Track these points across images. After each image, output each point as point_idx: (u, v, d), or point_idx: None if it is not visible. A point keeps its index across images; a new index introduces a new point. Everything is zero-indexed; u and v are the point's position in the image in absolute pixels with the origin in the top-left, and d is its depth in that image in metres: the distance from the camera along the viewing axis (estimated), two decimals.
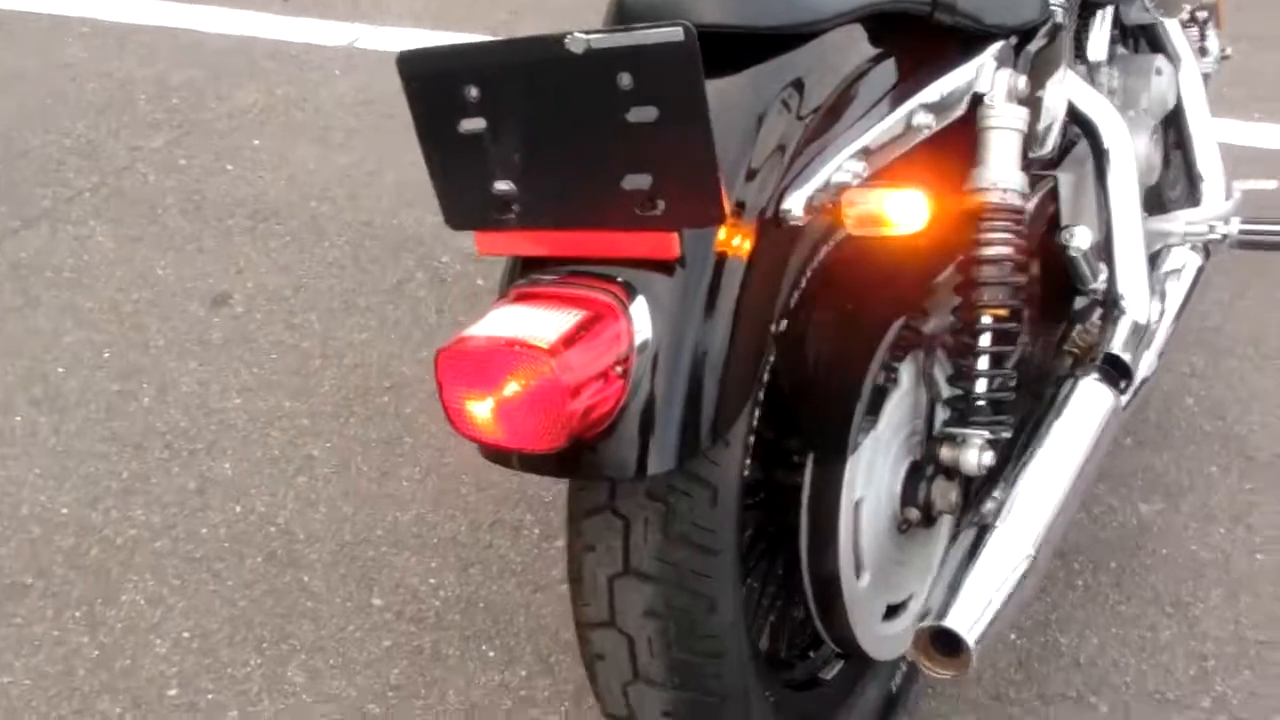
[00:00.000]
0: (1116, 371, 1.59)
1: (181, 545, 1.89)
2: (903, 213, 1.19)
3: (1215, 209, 2.06)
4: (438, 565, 1.88)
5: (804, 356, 1.32)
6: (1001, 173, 1.43)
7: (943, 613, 1.26)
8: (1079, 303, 1.76)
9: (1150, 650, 1.84)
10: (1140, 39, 2.23)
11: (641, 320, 1.09)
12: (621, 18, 1.21)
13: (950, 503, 1.44)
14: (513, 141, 1.07)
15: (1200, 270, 1.99)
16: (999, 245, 1.40)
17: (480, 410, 1.06)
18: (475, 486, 2.02)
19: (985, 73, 1.44)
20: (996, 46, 1.47)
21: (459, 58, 1.06)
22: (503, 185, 1.08)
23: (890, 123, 1.29)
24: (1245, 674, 1.81)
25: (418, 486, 2.02)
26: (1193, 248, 2.01)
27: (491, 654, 1.75)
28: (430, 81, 1.08)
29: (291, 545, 1.90)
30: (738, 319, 1.15)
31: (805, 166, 1.21)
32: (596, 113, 1.02)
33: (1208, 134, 2.23)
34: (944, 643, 1.25)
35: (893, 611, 1.49)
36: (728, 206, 1.05)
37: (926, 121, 1.34)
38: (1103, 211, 1.70)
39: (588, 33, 1.01)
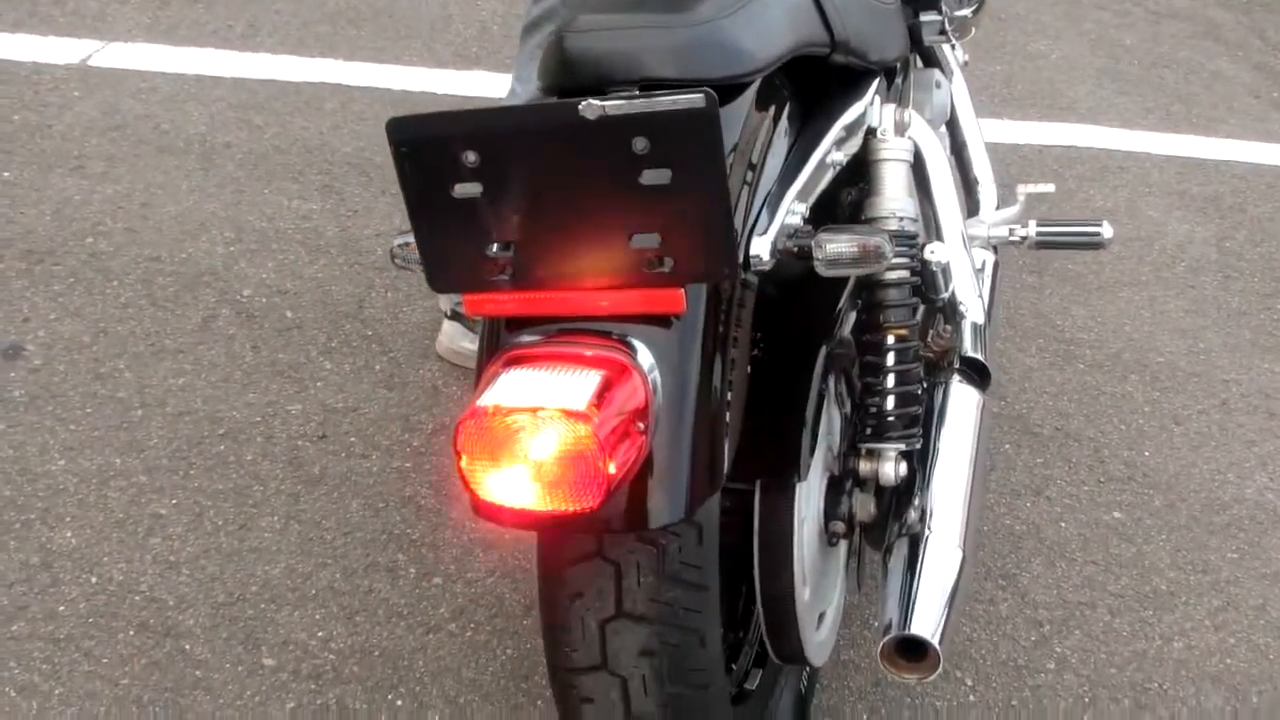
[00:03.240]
0: (975, 372, 1.73)
1: (41, 626, 1.75)
2: (871, 252, 1.26)
3: (1009, 213, 2.26)
4: (322, 617, 1.83)
5: (758, 391, 1.38)
6: (897, 201, 1.54)
7: (904, 622, 1.35)
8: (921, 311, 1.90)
9: (995, 623, 2.02)
10: (915, 54, 2.41)
11: (652, 375, 1.12)
12: (564, 68, 1.22)
13: (870, 513, 1.54)
14: (512, 205, 1.07)
15: (996, 267, 2.18)
16: (899, 270, 1.50)
17: (510, 479, 1.06)
18: (339, 530, 1.97)
19: (874, 108, 1.54)
20: (876, 82, 1.57)
21: (457, 123, 1.06)
22: (497, 248, 1.08)
23: (815, 162, 1.37)
24: (1076, 634, 2.02)
25: (280, 537, 1.95)
26: (984, 247, 2.19)
27: (399, 703, 1.73)
28: (423, 147, 1.06)
29: (163, 613, 1.80)
30: (728, 365, 1.19)
31: (760, 212, 1.27)
32: (608, 176, 1.05)
33: (978, 141, 2.44)
34: (908, 650, 1.35)
35: (819, 619, 1.58)
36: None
37: (839, 158, 1.43)
38: (931, 222, 1.84)
39: (602, 99, 1.03)
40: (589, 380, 1.06)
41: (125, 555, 1.88)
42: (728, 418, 1.19)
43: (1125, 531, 2.24)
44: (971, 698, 1.88)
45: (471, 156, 1.05)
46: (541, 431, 1.04)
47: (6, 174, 2.69)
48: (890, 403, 1.51)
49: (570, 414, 1.03)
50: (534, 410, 1.03)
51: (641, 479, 1.12)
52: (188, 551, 1.90)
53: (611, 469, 1.04)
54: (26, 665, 1.70)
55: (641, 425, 1.09)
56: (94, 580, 1.83)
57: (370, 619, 1.84)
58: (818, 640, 1.55)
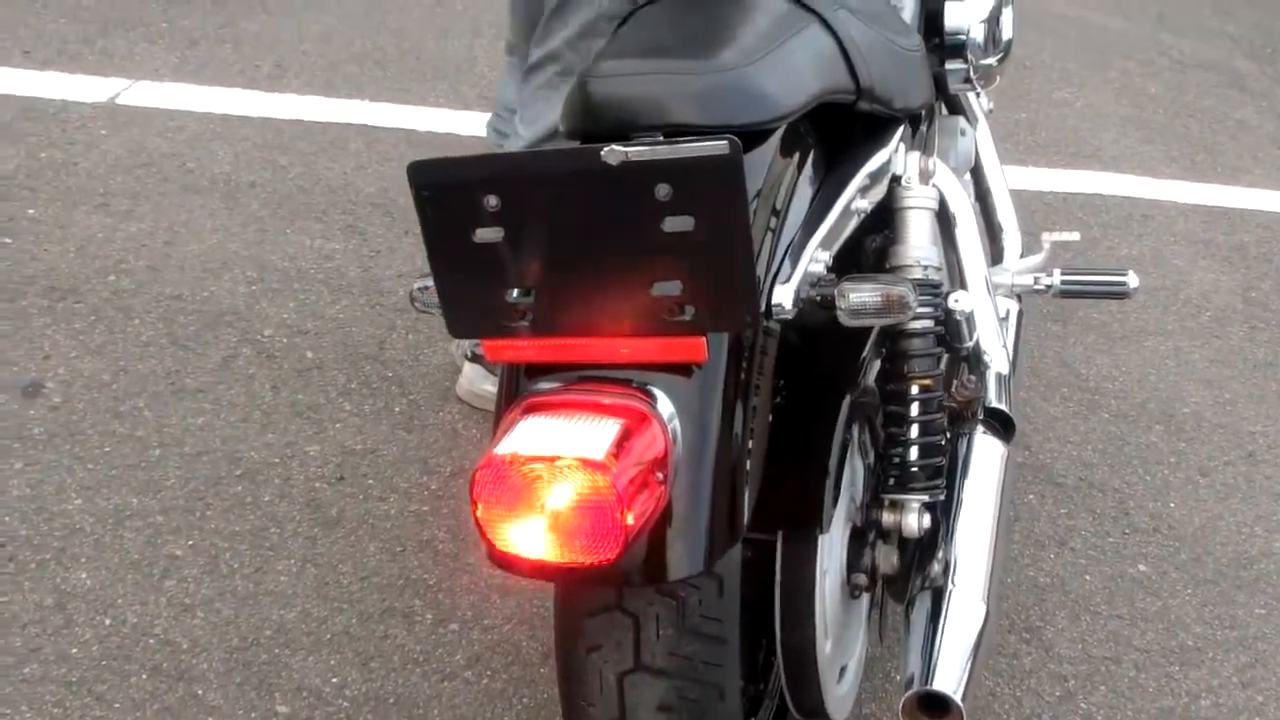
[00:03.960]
0: (999, 423, 1.71)
1: (53, 669, 1.74)
2: (895, 303, 1.24)
3: (1034, 261, 2.24)
4: (337, 663, 1.81)
5: (780, 441, 1.36)
6: (921, 250, 1.52)
7: (926, 677, 1.33)
8: (944, 360, 1.88)
9: (1019, 677, 1.98)
10: (940, 101, 2.41)
11: (672, 424, 1.10)
12: (588, 112, 1.22)
13: (893, 565, 1.51)
14: (533, 250, 1.06)
15: (1020, 315, 2.16)
16: (924, 319, 1.49)
17: (526, 529, 1.05)
18: (355, 575, 1.96)
19: (899, 156, 1.53)
20: (901, 129, 1.56)
21: (479, 168, 1.05)
22: (517, 293, 1.07)
23: (839, 209, 1.36)
24: (1101, 690, 1.98)
25: (296, 580, 1.93)
26: (1008, 295, 2.17)
27: None
28: (445, 191, 1.06)
29: (176, 656, 1.78)
30: (749, 414, 1.18)
31: (783, 259, 1.25)
32: (630, 222, 1.03)
33: (1003, 188, 2.42)
34: (930, 705, 1.32)
35: (841, 672, 1.56)
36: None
37: (863, 205, 1.42)
38: (955, 270, 1.82)
39: (625, 145, 1.02)
40: (608, 429, 1.05)
41: (140, 597, 1.87)
42: (748, 467, 1.18)
43: (1151, 585, 2.20)
44: None
45: (493, 201, 1.04)
46: (559, 481, 1.02)
47: (31, 211, 2.70)
48: (914, 453, 1.49)
49: (588, 463, 1.01)
50: (551, 459, 1.02)
51: (660, 530, 1.11)
52: (203, 594, 1.88)
53: (630, 520, 1.03)
54: (39, 709, 1.68)
55: (661, 475, 1.07)
56: (108, 622, 1.82)
57: (385, 665, 1.82)
58: (839, 694, 1.53)
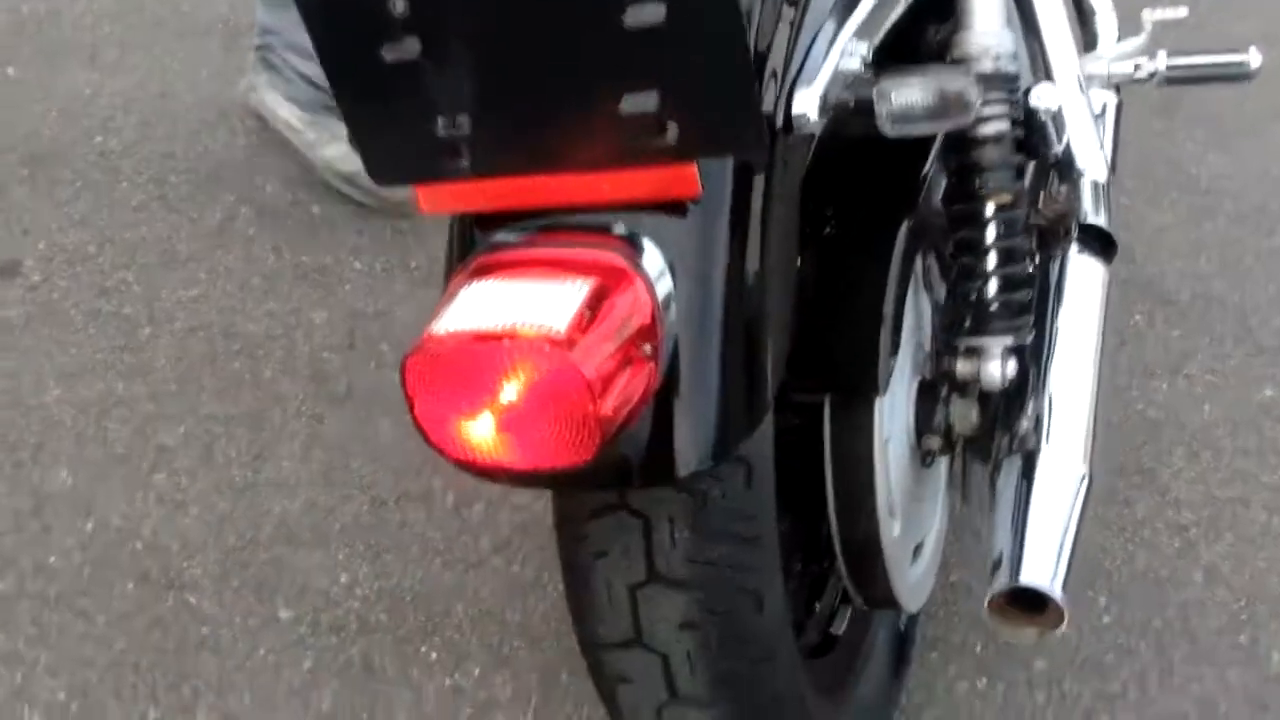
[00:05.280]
0: (1097, 241, 1.42)
1: (30, 583, 1.56)
2: (953, 102, 0.95)
3: (1133, 45, 1.90)
4: (346, 558, 1.61)
5: (819, 287, 1.09)
6: (991, 36, 1.21)
7: (1016, 565, 1.08)
8: (1030, 169, 1.59)
9: (1131, 528, 1.72)
10: None
11: (660, 281, 0.84)
12: None
13: (972, 424, 1.25)
14: (462, 67, 0.79)
15: (1119, 110, 1.84)
16: (998, 121, 1.19)
17: (477, 429, 0.80)
18: (367, 456, 1.74)
19: None
20: None
21: None
22: (450, 125, 0.81)
23: None
24: (1227, 537, 1.72)
25: (300, 466, 1.72)
26: (1103, 87, 1.85)
27: (434, 655, 1.50)
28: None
29: (166, 562, 1.59)
30: (769, 261, 0.91)
31: (806, 55, 0.96)
32: (581, 17, 0.76)
33: None
34: (1025, 600, 1.07)
35: (915, 551, 1.31)
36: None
37: None
38: (1039, 61, 1.51)
39: None
40: (572, 293, 0.79)
41: (126, 495, 1.67)
42: (771, 326, 0.91)
43: None
44: (1106, 619, 1.60)
45: (399, 5, 0.76)
46: (508, 366, 0.77)
47: (11, 70, 2.47)
48: (993, 287, 1.22)
49: (544, 339, 0.76)
50: (497, 337, 0.77)
51: (658, 416, 0.85)
52: (196, 489, 1.68)
53: (608, 409, 0.78)
54: (11, 630, 1.50)
55: (649, 348, 0.81)
56: (90, 526, 1.62)
57: (401, 558, 1.61)
58: (913, 579, 1.28)
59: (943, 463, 1.37)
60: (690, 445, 0.87)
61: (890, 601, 1.23)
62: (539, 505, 1.67)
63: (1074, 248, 1.38)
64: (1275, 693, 1.52)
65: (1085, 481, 1.15)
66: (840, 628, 1.35)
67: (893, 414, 1.18)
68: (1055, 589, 1.05)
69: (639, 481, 0.89)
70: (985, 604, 1.07)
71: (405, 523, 1.66)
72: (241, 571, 1.58)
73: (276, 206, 2.18)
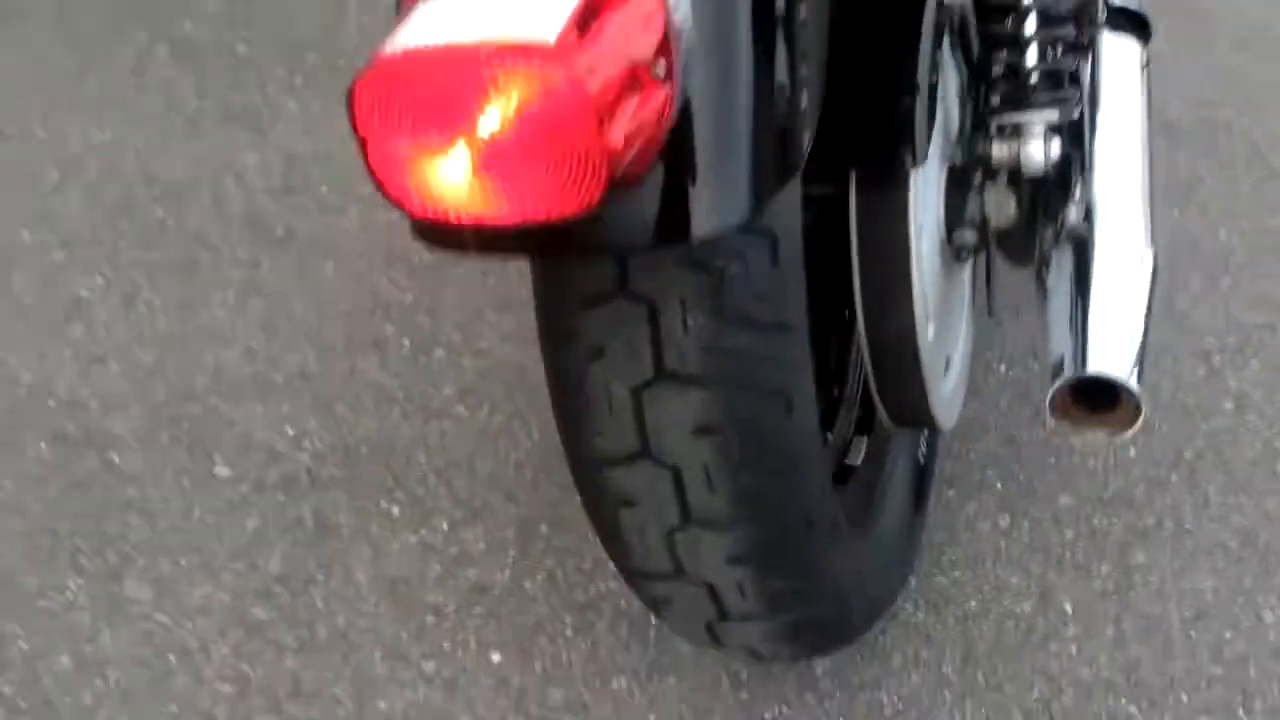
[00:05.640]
0: (1130, 22, 1.26)
1: None
2: None
3: None
4: (291, 410, 1.43)
5: (848, 40, 0.92)
6: None
7: (1081, 358, 0.92)
8: None
9: (1151, 356, 1.57)
10: None
11: None
12: None
13: (1009, 216, 1.09)
14: None
15: None
16: None
17: (448, 170, 0.62)
18: (310, 302, 1.56)
19: None
20: None
21: None
22: None
23: None
24: (1254, 364, 1.58)
25: (235, 314, 1.53)
26: None
27: (396, 510, 1.34)
28: None
29: (85, 419, 1.40)
30: None
31: None
32: None
33: None
34: (1089, 396, 0.92)
35: (946, 364, 1.15)
36: None
37: None
38: None
39: None
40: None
41: (37, 349, 1.48)
42: (807, 60, 0.74)
43: None
44: (1132, 452, 1.46)
45: None
46: (487, 84, 0.60)
47: None
48: (1032, 55, 1.05)
49: (534, 48, 0.59)
50: (473, 50, 0.59)
51: (671, 165, 0.68)
52: (116, 340, 1.49)
53: (615, 139, 0.60)
54: None
55: (663, 66, 0.64)
56: None
57: (354, 408, 1.43)
58: (946, 394, 1.13)
59: (967, 268, 1.22)
60: (711, 200, 0.70)
61: (922, 417, 1.07)
62: (507, 348, 1.51)
63: (1106, 30, 1.22)
64: None
65: (1151, 263, 1.00)
66: (858, 459, 1.20)
67: (923, 203, 1.02)
68: (1130, 378, 0.91)
69: (650, 242, 0.71)
70: (1048, 400, 0.92)
71: (356, 370, 1.48)
72: (172, 427, 1.40)
73: (196, 44, 1.96)
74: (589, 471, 0.89)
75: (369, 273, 1.60)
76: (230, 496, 1.33)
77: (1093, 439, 0.93)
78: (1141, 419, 0.91)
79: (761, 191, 0.71)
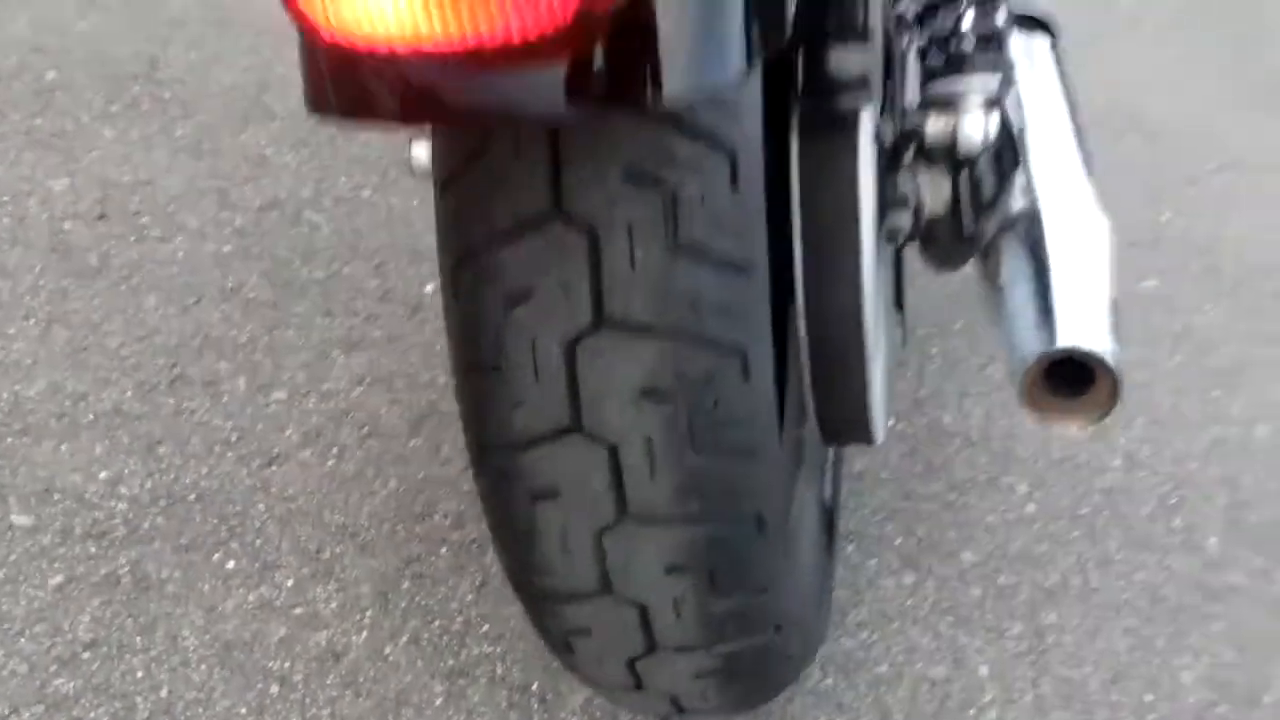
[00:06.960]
0: (1038, 27, 1.22)
1: None
2: None
3: None
4: (105, 451, 1.23)
5: None
6: None
7: (1050, 333, 0.83)
8: None
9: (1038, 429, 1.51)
10: None
11: None
12: None
13: (944, 200, 1.00)
14: None
15: None
16: None
17: None
18: (129, 335, 1.37)
19: None
20: None
21: None
22: None
23: None
24: (1139, 422, 1.54)
25: (37, 345, 1.33)
26: None
27: (231, 564, 1.15)
28: None
29: None
30: None
31: None
32: None
33: None
34: (1066, 379, 0.82)
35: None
36: None
37: None
38: None
39: None
40: None
41: None
42: None
43: (1167, 302, 1.75)
44: (1031, 507, 1.39)
45: None
46: None
47: None
48: (970, 19, 0.98)
49: None
50: None
51: (640, 12, 0.55)
52: None
53: None
54: None
55: None
56: None
57: (180, 450, 1.24)
58: (879, 399, 1.01)
59: (887, 264, 1.12)
60: (685, 59, 0.57)
61: (859, 421, 0.95)
62: (358, 392, 1.34)
63: (1014, 32, 1.17)
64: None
65: (1108, 230, 0.93)
66: None
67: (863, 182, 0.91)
68: (1107, 354, 0.81)
69: (607, 98, 0.57)
70: (1019, 385, 0.82)
71: (182, 410, 1.29)
72: None
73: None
74: (499, 455, 0.73)
75: (197, 307, 1.41)
76: (29, 548, 1.12)
77: (1066, 426, 0.83)
78: (1119, 396, 0.82)
79: (752, 51, 0.58)
